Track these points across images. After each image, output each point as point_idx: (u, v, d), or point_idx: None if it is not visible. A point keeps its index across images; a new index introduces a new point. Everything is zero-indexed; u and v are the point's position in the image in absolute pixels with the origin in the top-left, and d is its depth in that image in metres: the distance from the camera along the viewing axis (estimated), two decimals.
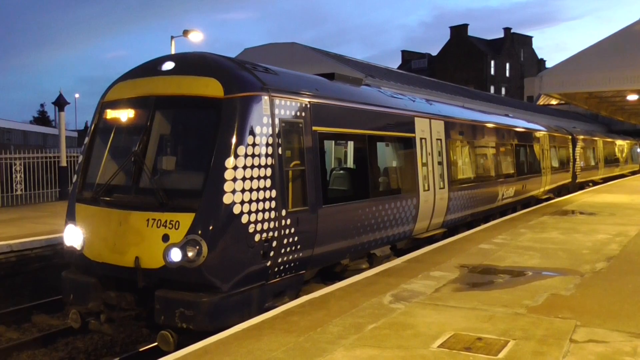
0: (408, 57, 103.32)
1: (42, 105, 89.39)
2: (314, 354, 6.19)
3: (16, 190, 21.86)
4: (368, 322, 7.26)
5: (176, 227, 7.66)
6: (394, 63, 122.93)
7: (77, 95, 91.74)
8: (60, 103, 23.10)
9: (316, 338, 6.70)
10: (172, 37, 27.28)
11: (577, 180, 31.10)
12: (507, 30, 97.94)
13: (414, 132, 13.05)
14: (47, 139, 64.84)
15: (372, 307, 7.94)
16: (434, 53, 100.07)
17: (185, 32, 27.25)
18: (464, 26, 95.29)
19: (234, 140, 7.90)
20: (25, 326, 11.43)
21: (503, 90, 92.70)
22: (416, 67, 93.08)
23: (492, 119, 19.87)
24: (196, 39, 28.10)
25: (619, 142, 47.35)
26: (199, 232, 7.57)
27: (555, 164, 26.66)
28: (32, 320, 11.65)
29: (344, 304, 8.06)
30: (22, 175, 22.10)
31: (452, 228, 15.14)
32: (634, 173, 50.88)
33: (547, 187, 24.96)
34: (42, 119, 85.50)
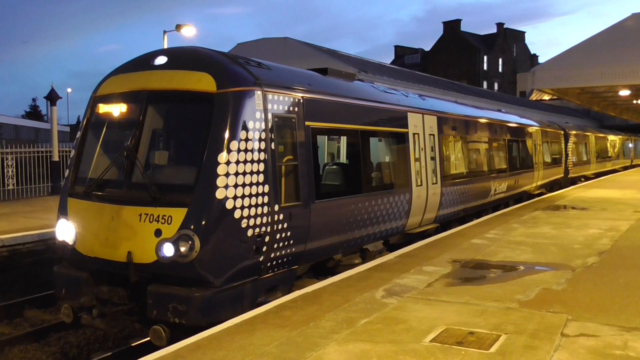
0: (401, 52, 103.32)
1: (34, 100, 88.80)
2: (306, 349, 6.19)
3: (8, 185, 21.75)
4: (360, 316, 7.27)
5: (169, 222, 7.64)
6: (387, 58, 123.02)
7: (69, 90, 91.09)
8: (52, 97, 22.97)
9: (309, 333, 6.70)
10: (164, 32, 27.16)
11: (569, 176, 31.20)
12: (499, 25, 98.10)
13: (406, 127, 13.05)
14: (39, 133, 64.47)
15: (364, 301, 7.95)
16: (427, 48, 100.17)
17: (178, 27, 27.13)
18: (457, 21, 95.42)
19: (226, 135, 7.87)
20: (17, 321, 11.39)
21: (496, 86, 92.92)
22: (409, 63, 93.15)
23: (484, 114, 19.91)
24: (189, 34, 27.99)
25: (611, 137, 47.52)
26: (192, 227, 7.55)
27: (548, 159, 26.74)
28: (24, 315, 11.61)
29: (337, 299, 8.06)
30: (14, 170, 21.98)
31: (444, 223, 15.17)
32: (625, 168, 51.10)
33: (540, 183, 25.04)
34: (34, 113, 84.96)
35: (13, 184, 21.93)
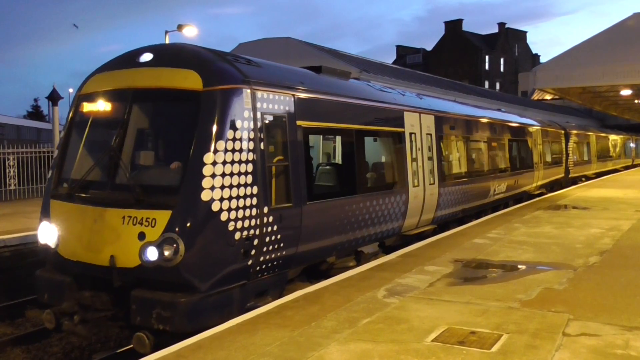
0: (403, 52, 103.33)
1: (35, 100, 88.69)
2: (308, 348, 6.16)
3: (9, 185, 21.76)
4: (362, 316, 7.25)
5: (152, 224, 7.38)
6: (389, 58, 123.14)
7: (70, 90, 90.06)
8: (53, 98, 22.92)
9: (310, 332, 6.68)
10: (166, 32, 27.18)
11: (570, 175, 31.10)
12: (501, 25, 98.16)
13: (403, 126, 12.83)
14: (40, 133, 64.40)
15: (366, 301, 7.93)
16: (429, 48, 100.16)
17: (180, 27, 27.11)
18: (459, 21, 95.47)
19: (213, 134, 7.62)
20: (19, 321, 11.38)
21: (497, 85, 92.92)
22: (411, 62, 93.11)
23: (484, 113, 19.76)
24: (190, 34, 27.96)
25: (612, 137, 47.45)
26: (176, 230, 7.29)
27: (548, 158, 26.62)
28: (26, 315, 11.59)
29: (338, 299, 8.04)
30: (16, 170, 21.99)
31: (442, 224, 14.97)
32: (626, 168, 51.05)
33: (540, 182, 24.93)
34: (35, 113, 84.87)
35: (15, 184, 21.94)
